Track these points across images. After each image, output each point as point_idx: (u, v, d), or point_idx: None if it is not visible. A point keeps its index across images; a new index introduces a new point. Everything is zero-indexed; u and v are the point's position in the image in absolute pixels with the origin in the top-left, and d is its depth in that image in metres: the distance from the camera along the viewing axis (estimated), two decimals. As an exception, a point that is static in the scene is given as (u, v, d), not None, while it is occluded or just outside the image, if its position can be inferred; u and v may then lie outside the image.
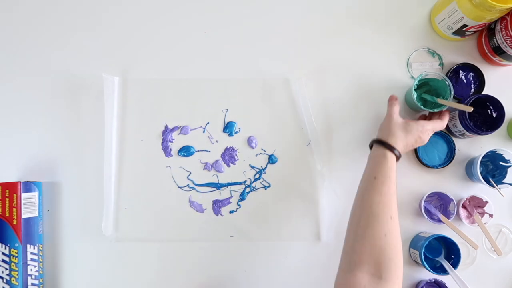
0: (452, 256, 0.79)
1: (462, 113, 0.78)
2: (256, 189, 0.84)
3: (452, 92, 0.78)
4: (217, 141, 0.84)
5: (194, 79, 0.85)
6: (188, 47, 0.86)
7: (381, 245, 0.60)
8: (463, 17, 0.77)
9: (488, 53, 0.83)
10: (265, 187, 0.84)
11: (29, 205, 0.78)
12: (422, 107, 0.78)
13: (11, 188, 0.77)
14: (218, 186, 0.83)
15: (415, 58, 0.86)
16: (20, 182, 0.78)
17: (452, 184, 0.84)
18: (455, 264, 0.77)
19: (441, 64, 0.86)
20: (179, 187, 0.83)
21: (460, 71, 0.85)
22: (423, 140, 0.74)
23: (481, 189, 0.83)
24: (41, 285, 0.79)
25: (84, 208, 0.82)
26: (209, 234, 0.83)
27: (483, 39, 0.83)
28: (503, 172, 0.81)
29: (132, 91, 0.84)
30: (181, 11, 0.87)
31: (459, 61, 0.85)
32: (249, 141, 0.84)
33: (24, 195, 0.78)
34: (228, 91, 0.85)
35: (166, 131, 0.84)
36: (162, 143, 0.84)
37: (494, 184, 0.78)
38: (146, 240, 0.82)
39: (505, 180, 0.80)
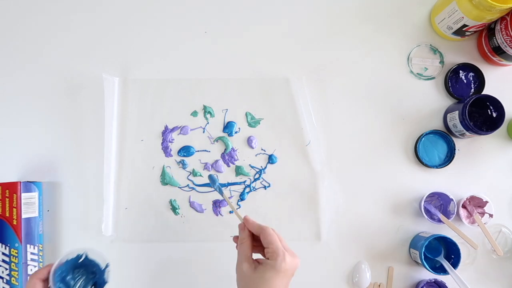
0: (452, 256, 0.79)
1: (462, 113, 0.78)
2: (256, 189, 0.84)
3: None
4: (217, 141, 0.84)
5: (194, 79, 0.85)
6: (188, 47, 0.86)
7: None
8: (463, 17, 0.77)
9: (488, 53, 0.83)
10: (265, 187, 0.84)
11: (29, 205, 0.78)
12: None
13: (11, 188, 0.77)
14: (218, 186, 0.84)
15: (416, 53, 0.86)
16: (20, 182, 0.78)
17: (452, 184, 0.84)
18: (455, 264, 0.77)
19: (442, 62, 0.86)
20: (179, 187, 0.83)
21: (460, 71, 0.85)
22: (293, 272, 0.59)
23: (481, 189, 0.83)
24: (41, 285, 0.79)
25: (84, 208, 0.82)
26: (209, 234, 0.83)
27: (483, 39, 0.83)
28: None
29: (132, 91, 0.84)
30: (181, 11, 0.86)
31: (459, 61, 0.85)
32: (249, 141, 0.84)
33: (24, 195, 0.78)
34: (228, 91, 0.85)
35: (166, 131, 0.84)
36: (162, 143, 0.84)
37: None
38: (146, 240, 0.82)
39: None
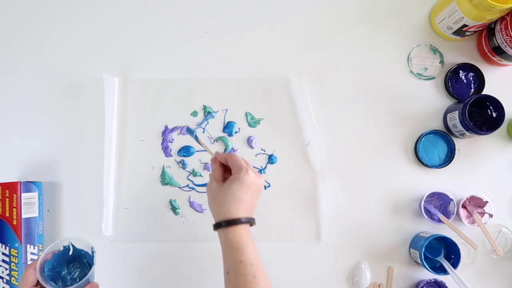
0: (452, 256, 0.79)
1: (462, 113, 0.78)
2: (256, 189, 0.84)
3: None
4: (217, 141, 0.84)
5: (194, 79, 0.85)
6: (188, 47, 0.86)
7: None
8: (463, 17, 0.77)
9: (488, 53, 0.83)
10: (265, 187, 0.84)
11: (29, 205, 0.78)
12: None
13: (11, 188, 0.77)
14: (218, 186, 0.83)
15: (416, 53, 0.86)
16: (20, 182, 0.78)
17: (452, 184, 0.84)
18: (455, 264, 0.77)
19: (442, 62, 0.86)
20: (179, 187, 0.83)
21: (460, 71, 0.85)
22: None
23: (481, 189, 0.83)
24: (41, 285, 0.79)
25: (84, 208, 0.82)
26: (209, 234, 0.82)
27: (483, 39, 0.83)
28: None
29: (132, 91, 0.84)
30: (181, 11, 0.87)
31: (459, 61, 0.85)
32: (249, 141, 0.84)
33: (24, 195, 0.78)
34: (228, 91, 0.85)
35: (166, 131, 0.84)
36: (162, 143, 0.84)
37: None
38: (146, 240, 0.82)
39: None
